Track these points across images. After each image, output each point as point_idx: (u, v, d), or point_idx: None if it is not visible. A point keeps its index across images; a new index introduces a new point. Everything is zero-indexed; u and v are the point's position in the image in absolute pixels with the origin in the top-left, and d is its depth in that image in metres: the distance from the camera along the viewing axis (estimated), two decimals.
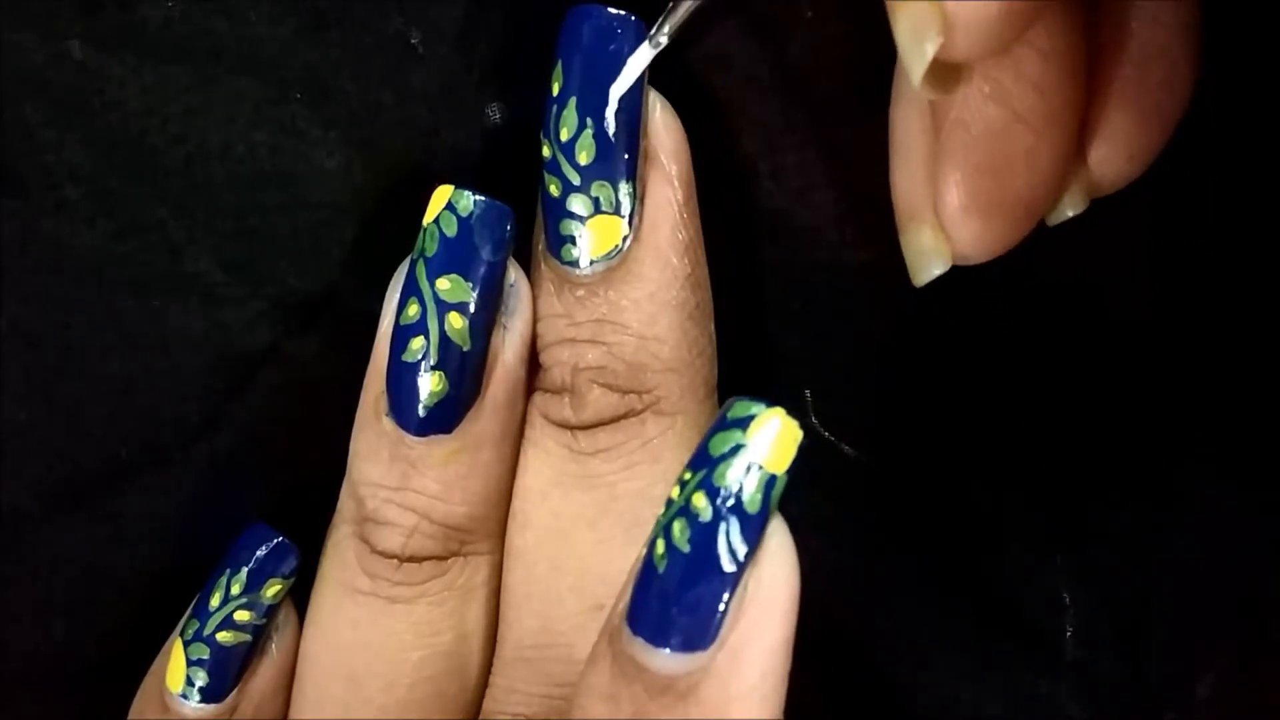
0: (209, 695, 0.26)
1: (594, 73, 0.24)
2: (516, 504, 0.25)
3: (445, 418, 0.24)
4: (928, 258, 0.23)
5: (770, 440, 0.20)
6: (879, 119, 0.25)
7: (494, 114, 0.26)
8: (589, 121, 0.24)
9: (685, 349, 0.24)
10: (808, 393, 0.26)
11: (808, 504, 0.28)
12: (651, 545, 0.20)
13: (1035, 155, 0.21)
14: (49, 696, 0.28)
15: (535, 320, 0.25)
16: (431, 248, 0.24)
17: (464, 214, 0.24)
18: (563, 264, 0.24)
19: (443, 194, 0.24)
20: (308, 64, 0.26)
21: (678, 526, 0.20)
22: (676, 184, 0.24)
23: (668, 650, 0.20)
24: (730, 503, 0.20)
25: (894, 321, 0.27)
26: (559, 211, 0.24)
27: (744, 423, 0.20)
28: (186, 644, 0.26)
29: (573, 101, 0.24)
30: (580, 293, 0.24)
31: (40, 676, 0.28)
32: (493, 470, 0.25)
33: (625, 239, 0.24)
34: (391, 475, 0.25)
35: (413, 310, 0.24)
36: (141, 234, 0.27)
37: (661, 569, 0.20)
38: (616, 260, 0.24)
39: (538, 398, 0.25)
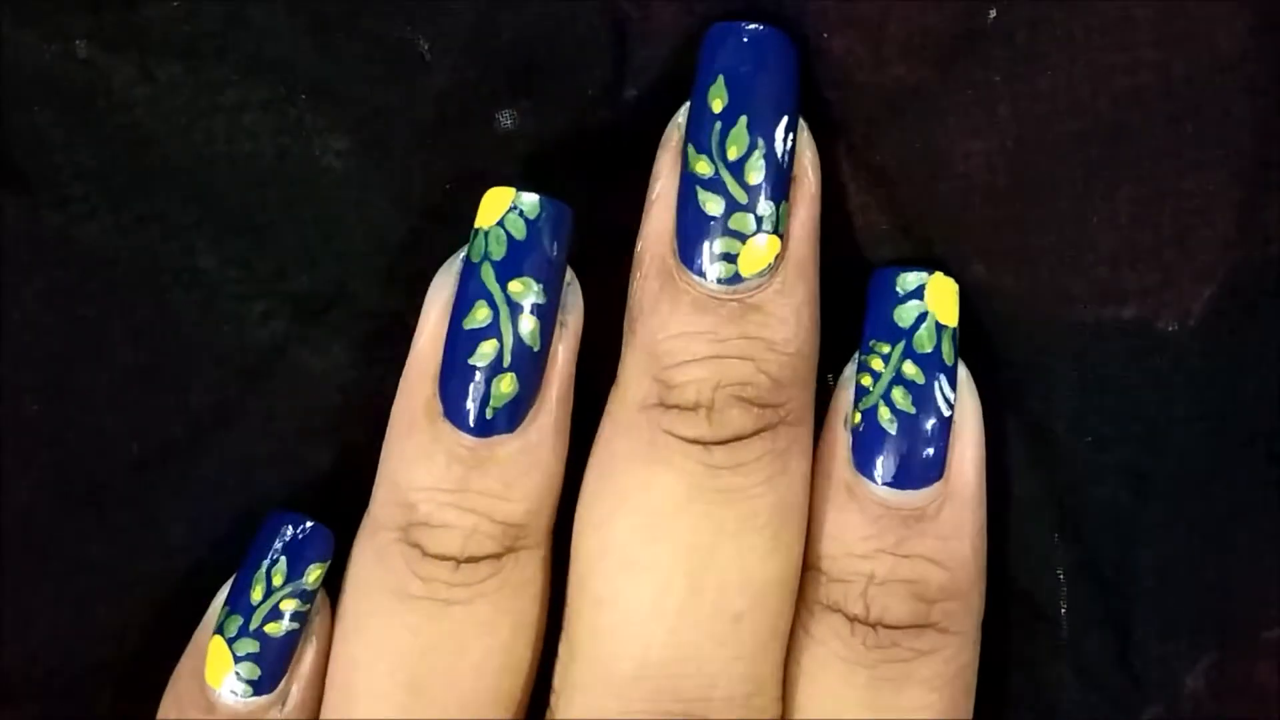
0: (260, 688, 0.26)
1: (765, 92, 0.24)
2: (644, 521, 0.25)
3: (510, 418, 0.25)
4: None
5: (943, 299, 0.25)
6: (901, 126, 0.26)
7: (505, 119, 0.26)
8: (760, 142, 0.24)
9: (812, 362, 0.25)
10: (830, 377, 0.27)
11: None
12: (872, 414, 0.25)
13: None
14: (57, 695, 0.28)
15: (659, 338, 0.25)
16: (499, 250, 0.24)
17: (531, 215, 0.24)
18: (710, 281, 0.24)
19: (502, 195, 0.25)
20: (314, 66, 0.26)
21: (898, 393, 0.25)
22: (816, 201, 0.25)
23: (916, 490, 0.25)
24: (935, 362, 0.25)
25: None
26: (720, 229, 0.24)
27: (919, 292, 0.25)
28: (231, 640, 0.26)
29: (743, 121, 0.24)
30: (725, 310, 0.24)
31: (48, 674, 0.28)
32: (550, 466, 0.25)
33: (778, 257, 0.24)
34: (449, 478, 0.25)
35: (482, 314, 0.24)
36: (149, 232, 0.27)
37: (894, 431, 0.25)
38: (768, 277, 0.25)
39: (659, 415, 0.25)
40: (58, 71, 0.26)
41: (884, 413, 0.25)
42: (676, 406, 0.25)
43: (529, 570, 0.26)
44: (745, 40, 0.24)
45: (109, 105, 0.26)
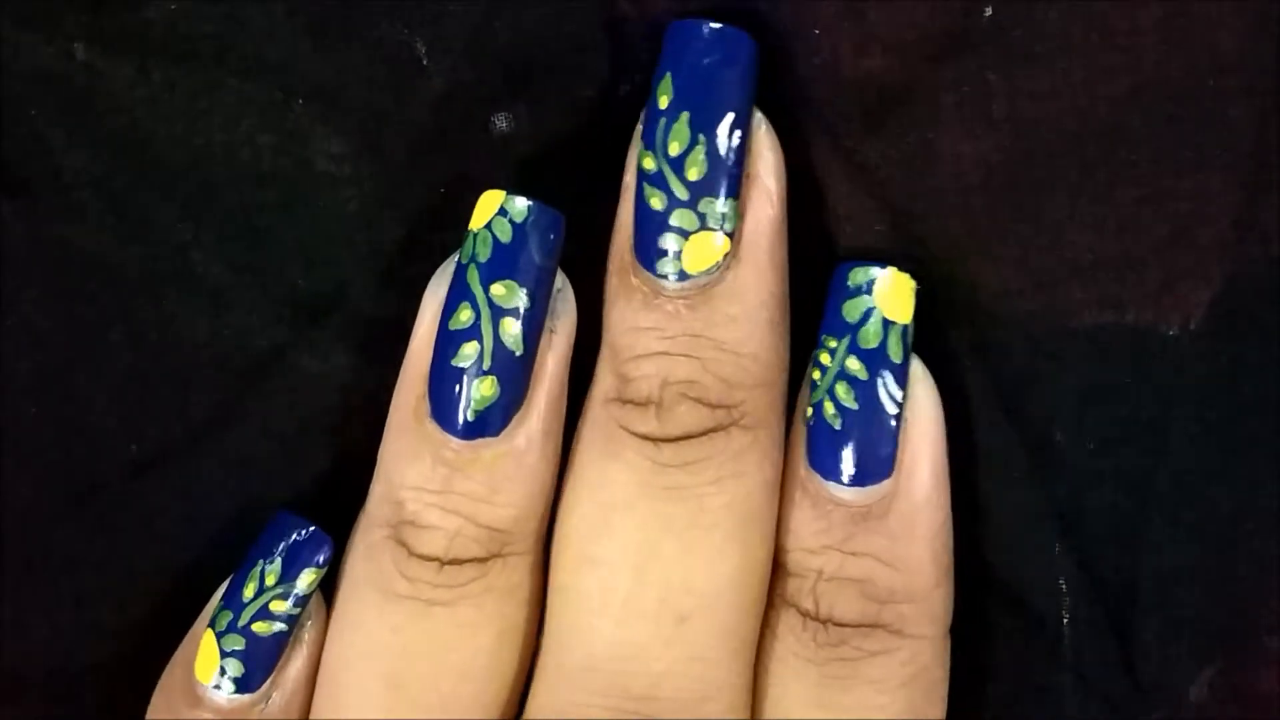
0: (244, 685, 0.26)
1: (708, 89, 0.24)
2: (594, 515, 0.25)
3: (494, 421, 0.25)
4: None
5: (895, 296, 0.25)
6: (895, 126, 0.25)
7: (500, 123, 0.26)
8: (701, 138, 0.24)
9: (771, 366, 0.25)
10: None
11: None
12: (819, 408, 0.25)
13: None
14: (55, 694, 0.28)
15: (617, 333, 0.25)
16: (484, 253, 0.24)
17: (518, 219, 0.24)
18: (658, 277, 0.24)
19: (493, 198, 0.25)
20: (312, 69, 0.26)
21: (841, 388, 0.24)
22: (776, 203, 0.25)
23: (862, 487, 0.24)
24: (880, 359, 0.24)
25: None
26: (662, 225, 0.24)
27: (868, 287, 0.25)
28: (220, 635, 0.26)
29: (685, 117, 0.24)
30: (671, 307, 0.25)
31: (47, 674, 0.28)
32: (537, 472, 0.25)
33: (726, 255, 0.24)
34: (435, 479, 0.25)
35: (465, 315, 0.24)
36: (148, 235, 0.27)
37: (839, 426, 0.25)
38: (715, 275, 0.24)
39: (616, 410, 0.25)
40: (56, 73, 0.26)
41: (829, 407, 0.25)
42: (631, 401, 0.25)
43: (517, 576, 0.25)
44: (696, 38, 0.24)
45: (107, 107, 0.26)
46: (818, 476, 0.25)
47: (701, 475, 0.24)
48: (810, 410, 0.25)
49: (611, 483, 0.25)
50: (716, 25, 0.24)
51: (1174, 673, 0.27)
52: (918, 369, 0.25)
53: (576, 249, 0.26)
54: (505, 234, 0.24)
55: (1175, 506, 0.27)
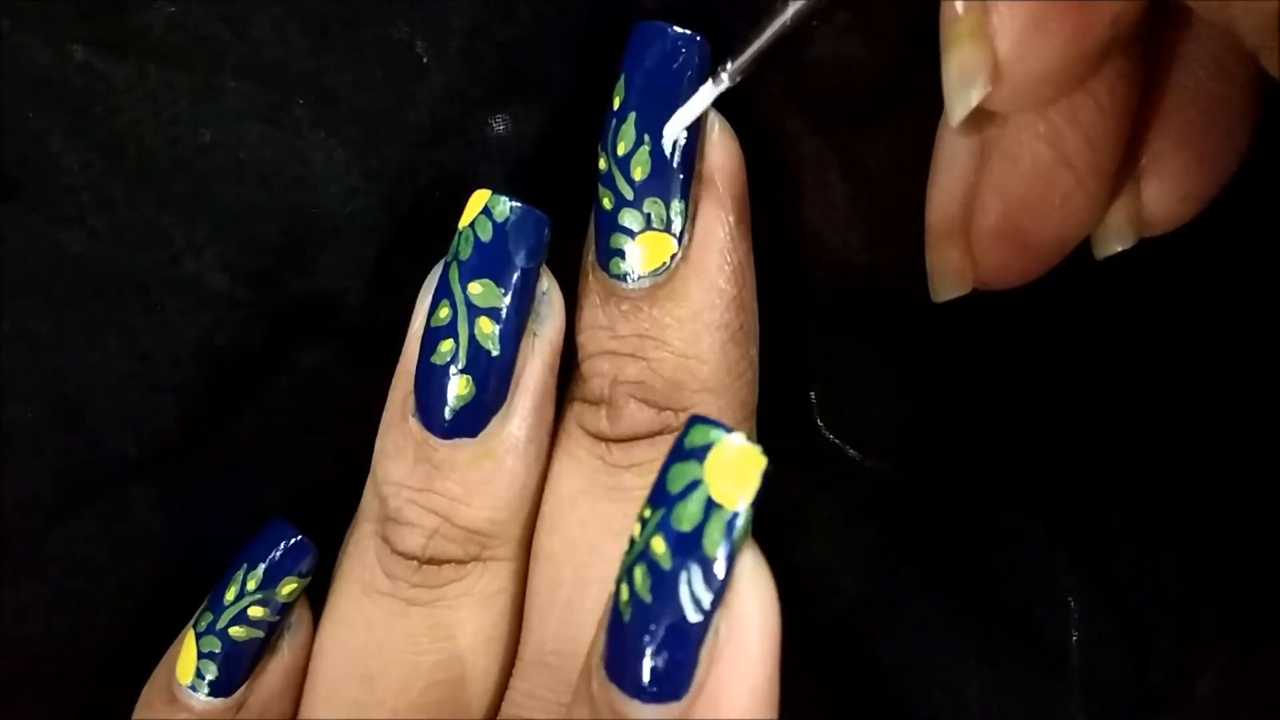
0: (217, 689, 0.26)
1: (655, 90, 0.24)
2: (546, 507, 0.25)
3: (471, 421, 0.24)
4: (952, 278, 0.24)
5: (730, 473, 0.19)
6: (891, 125, 0.25)
7: (498, 125, 0.26)
8: (646, 138, 0.24)
9: (725, 371, 0.24)
10: (812, 395, 0.26)
11: (812, 508, 0.28)
12: (617, 590, 0.19)
13: (1072, 199, 0.22)
14: (55, 694, 0.29)
15: (579, 330, 0.25)
16: (465, 251, 0.24)
17: (499, 219, 0.24)
18: (610, 276, 0.24)
19: (479, 198, 0.25)
20: (310, 70, 0.26)
21: (638, 573, 0.19)
22: (728, 206, 0.24)
23: (640, 701, 0.19)
24: (690, 547, 0.19)
25: (901, 324, 0.27)
26: (610, 224, 0.24)
27: (701, 453, 0.19)
28: (199, 636, 0.26)
29: (632, 117, 0.24)
30: (625, 306, 0.24)
31: (47, 674, 0.28)
32: (517, 477, 0.25)
33: (673, 257, 0.24)
34: (415, 476, 0.25)
35: (444, 313, 0.24)
36: (144, 238, 0.27)
37: (627, 617, 0.19)
38: (663, 277, 0.24)
39: (575, 407, 0.25)
40: (55, 76, 0.26)
41: (623, 592, 0.19)
42: (585, 400, 0.25)
43: (497, 583, 0.25)
44: (650, 40, 0.24)
45: (106, 109, 0.26)
46: (602, 676, 0.20)
47: (645, 477, 0.24)
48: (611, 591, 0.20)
49: (560, 479, 0.25)
50: (673, 28, 0.24)
51: (1183, 672, 0.26)
52: (749, 568, 0.19)
53: (573, 252, 0.25)
54: (486, 233, 0.24)
55: (1179, 512, 0.26)
